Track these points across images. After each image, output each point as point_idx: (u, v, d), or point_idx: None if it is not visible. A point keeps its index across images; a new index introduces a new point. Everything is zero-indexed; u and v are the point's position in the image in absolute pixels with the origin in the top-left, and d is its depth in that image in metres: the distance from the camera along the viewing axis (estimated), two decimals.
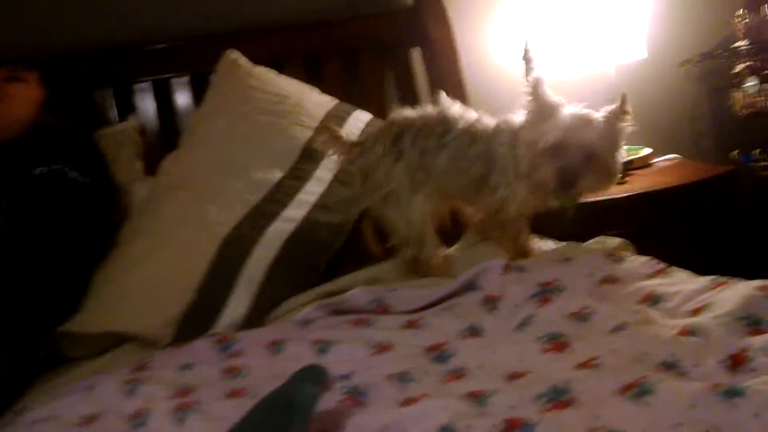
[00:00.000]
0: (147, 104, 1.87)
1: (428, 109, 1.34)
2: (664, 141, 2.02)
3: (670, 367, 0.75)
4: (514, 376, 0.82)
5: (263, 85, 1.65)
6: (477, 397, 0.76)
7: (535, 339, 0.90)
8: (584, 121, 1.18)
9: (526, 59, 1.91)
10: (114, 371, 1.00)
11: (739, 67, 2.00)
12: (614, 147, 1.20)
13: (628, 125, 1.23)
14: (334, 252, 1.40)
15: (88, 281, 1.27)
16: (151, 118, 1.86)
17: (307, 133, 1.52)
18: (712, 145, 2.14)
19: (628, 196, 1.69)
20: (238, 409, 0.78)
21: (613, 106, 1.22)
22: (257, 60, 1.74)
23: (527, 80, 1.24)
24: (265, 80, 1.66)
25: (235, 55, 1.73)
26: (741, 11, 1.99)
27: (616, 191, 1.68)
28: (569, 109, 1.21)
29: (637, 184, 1.78)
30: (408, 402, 0.78)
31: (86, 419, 0.87)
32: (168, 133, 1.83)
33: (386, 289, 1.16)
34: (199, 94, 1.80)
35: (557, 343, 0.88)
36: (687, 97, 2.15)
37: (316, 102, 1.64)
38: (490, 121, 1.30)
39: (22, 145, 1.39)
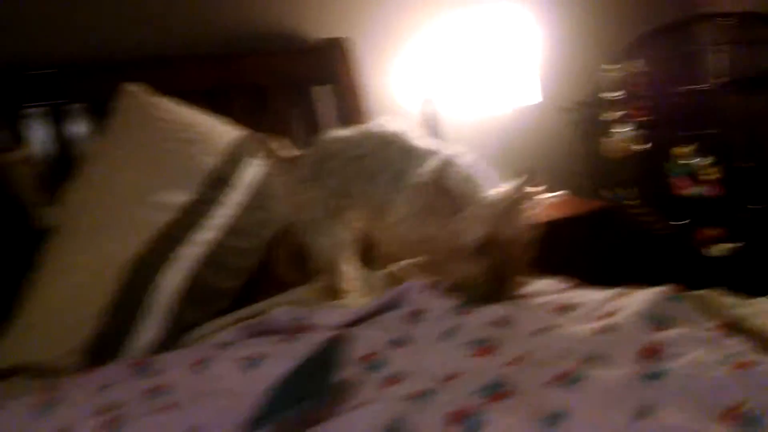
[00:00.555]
0: (37, 132, 1.76)
1: (362, 129, 1.33)
2: (554, 179, 2.19)
3: (593, 358, 0.81)
4: (449, 377, 0.85)
5: (167, 114, 1.61)
6: (418, 396, 0.78)
7: (463, 344, 0.93)
8: (505, 211, 1.08)
9: (427, 100, 2.02)
10: (18, 395, 0.92)
11: (605, 115, 2.23)
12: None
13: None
14: (247, 276, 1.37)
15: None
16: (40, 147, 1.76)
17: (213, 161, 1.50)
18: (589, 183, 2.34)
19: None
20: (170, 424, 0.75)
21: (512, 185, 1.11)
22: (161, 89, 1.71)
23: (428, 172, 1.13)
24: (169, 110, 1.63)
25: (135, 85, 1.69)
26: (607, 65, 2.22)
27: None
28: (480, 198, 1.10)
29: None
30: (351, 408, 0.78)
31: None
32: (61, 161, 1.73)
33: (307, 310, 1.15)
34: (96, 122, 1.74)
35: (484, 348, 0.92)
36: (568, 140, 2.35)
37: (222, 131, 1.63)
38: (417, 148, 1.25)
39: None
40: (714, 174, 2.10)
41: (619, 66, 2.22)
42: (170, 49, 1.92)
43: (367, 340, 0.99)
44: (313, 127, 1.98)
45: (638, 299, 0.95)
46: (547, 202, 2.06)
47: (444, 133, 2.04)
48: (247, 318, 1.20)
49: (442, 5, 2.16)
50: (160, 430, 0.76)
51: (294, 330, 1.09)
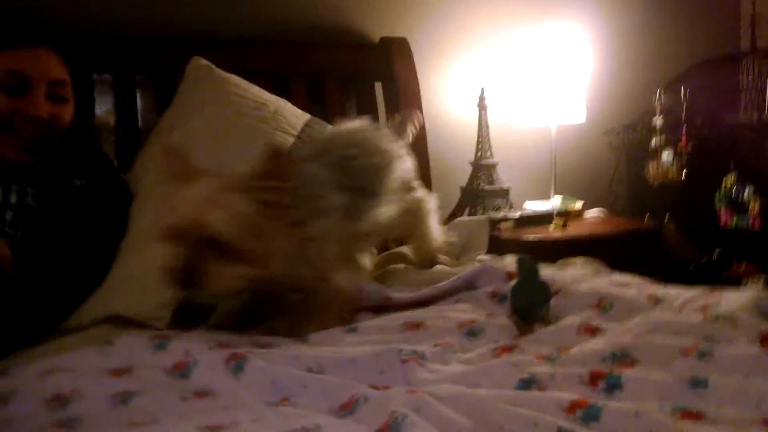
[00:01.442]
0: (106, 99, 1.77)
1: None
2: (591, 196, 2.22)
3: (713, 341, 0.82)
4: (562, 349, 0.86)
5: (241, 91, 1.64)
6: (546, 358, 0.79)
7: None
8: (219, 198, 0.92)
9: (481, 106, 2.05)
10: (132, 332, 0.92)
11: (650, 141, 2.26)
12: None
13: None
14: None
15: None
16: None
17: (290, 140, 1.52)
18: (628, 206, 2.37)
19: (566, 239, 1.86)
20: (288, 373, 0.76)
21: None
22: (227, 68, 1.72)
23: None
24: (241, 87, 1.65)
25: (205, 61, 1.71)
26: (659, 90, 2.27)
27: (558, 235, 1.84)
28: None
29: (574, 231, 1.93)
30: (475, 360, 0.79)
31: (116, 371, 0.80)
32: (126, 129, 1.74)
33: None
34: (159, 94, 1.76)
35: (588, 328, 0.93)
36: (610, 161, 2.38)
37: (293, 113, 1.65)
38: None
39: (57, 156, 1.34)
40: (756, 206, 2.14)
41: (666, 94, 2.27)
42: (239, 31, 1.94)
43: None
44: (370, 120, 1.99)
45: (737, 296, 0.97)
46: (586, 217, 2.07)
47: (490, 140, 2.07)
48: None
49: (501, 17, 2.20)
50: (283, 366, 0.77)
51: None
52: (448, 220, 1.89)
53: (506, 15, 2.21)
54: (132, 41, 1.80)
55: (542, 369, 0.76)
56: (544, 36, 2.08)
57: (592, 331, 0.92)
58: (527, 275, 1.00)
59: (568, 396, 0.69)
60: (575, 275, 1.15)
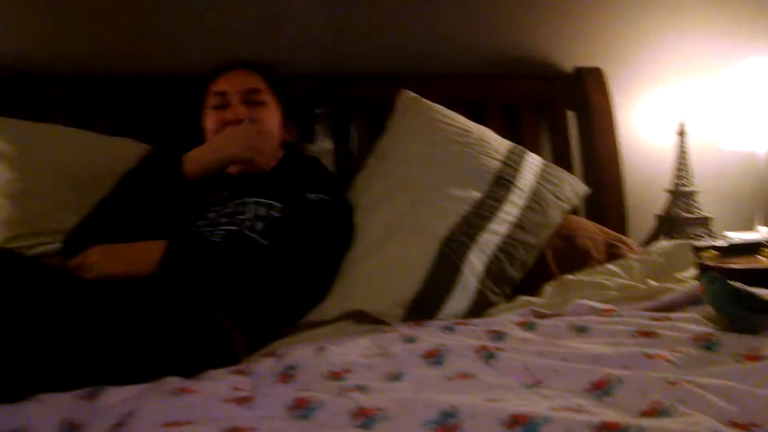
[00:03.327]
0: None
1: None
2: None
3: None
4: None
5: (446, 119, 1.76)
6: None
7: None
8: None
9: (680, 133, 2.01)
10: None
11: None
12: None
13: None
14: (527, 270, 1.44)
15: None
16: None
17: (496, 164, 1.61)
18: None
19: None
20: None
21: None
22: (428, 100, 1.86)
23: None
24: (447, 116, 1.78)
25: (413, 93, 1.86)
26: None
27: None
28: None
29: None
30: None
31: (378, 354, 0.92)
32: (343, 154, 1.94)
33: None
34: (371, 123, 1.95)
35: None
36: None
37: (496, 138, 1.74)
38: None
39: (287, 169, 1.54)
40: None
41: None
42: (436, 66, 2.09)
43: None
44: (561, 149, 2.04)
45: None
46: None
47: (689, 168, 2.02)
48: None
49: (700, 45, 2.16)
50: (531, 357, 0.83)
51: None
52: (644, 244, 1.88)
53: (705, 45, 2.16)
54: (347, 79, 2.01)
55: None
56: (747, 70, 2.01)
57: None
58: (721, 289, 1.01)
59: None
60: None
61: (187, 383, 0.88)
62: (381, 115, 1.97)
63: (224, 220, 1.38)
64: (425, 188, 1.50)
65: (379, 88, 1.99)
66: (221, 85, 1.54)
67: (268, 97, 1.56)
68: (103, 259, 1.23)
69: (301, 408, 0.75)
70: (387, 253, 1.35)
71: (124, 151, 1.70)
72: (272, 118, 1.56)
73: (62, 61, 1.91)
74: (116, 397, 0.85)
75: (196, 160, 1.41)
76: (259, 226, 1.39)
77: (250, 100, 1.53)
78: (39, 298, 0.94)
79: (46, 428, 0.76)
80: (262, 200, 1.43)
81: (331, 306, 1.29)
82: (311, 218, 1.42)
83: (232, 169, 1.47)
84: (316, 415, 0.74)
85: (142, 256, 1.25)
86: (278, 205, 1.43)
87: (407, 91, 1.87)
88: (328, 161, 1.84)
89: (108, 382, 0.89)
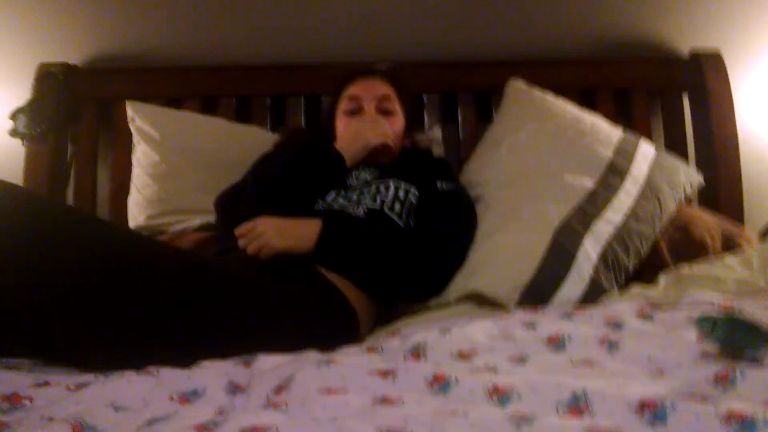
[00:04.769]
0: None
1: None
2: None
3: None
4: None
5: (557, 108, 1.78)
6: None
7: None
8: None
9: None
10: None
11: None
12: None
13: None
14: (641, 260, 1.46)
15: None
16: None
17: (609, 152, 1.62)
18: None
19: None
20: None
21: None
22: (536, 86, 1.88)
23: None
24: (558, 104, 1.80)
25: (523, 82, 1.88)
26: None
27: None
28: None
29: None
30: None
31: (500, 336, 0.99)
32: (450, 141, 2.00)
33: None
34: (478, 110, 1.99)
35: None
36: None
37: (608, 126, 1.74)
38: None
39: (412, 160, 1.62)
40: None
41: None
42: (543, 52, 2.10)
43: None
44: (676, 135, 2.00)
45: None
46: None
47: None
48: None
49: None
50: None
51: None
52: (762, 236, 1.83)
53: None
54: (455, 66, 2.06)
55: None
56: None
57: None
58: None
59: None
60: None
61: (330, 356, 0.97)
62: (488, 102, 2.02)
63: (366, 198, 1.46)
64: (539, 177, 1.54)
65: (486, 76, 2.03)
66: (356, 89, 1.60)
67: (397, 106, 1.63)
68: (271, 231, 1.30)
69: (439, 383, 0.83)
70: (502, 239, 1.41)
71: (250, 137, 1.85)
72: (399, 125, 1.63)
73: (191, 54, 2.07)
74: (267, 364, 0.96)
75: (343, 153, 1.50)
76: (397, 206, 1.46)
77: (382, 107, 1.60)
78: (210, 280, 1.07)
79: (216, 389, 0.87)
80: (401, 182, 1.51)
81: (455, 287, 1.36)
82: (444, 206, 1.49)
83: (373, 157, 1.55)
84: (453, 391, 0.81)
85: (304, 233, 1.33)
86: (414, 190, 1.51)
87: (517, 79, 1.90)
88: (436, 149, 1.90)
89: (257, 350, 1.00)
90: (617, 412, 0.73)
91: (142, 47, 2.05)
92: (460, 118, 2.03)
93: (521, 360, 0.94)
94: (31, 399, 0.78)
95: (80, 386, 0.83)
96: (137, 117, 1.86)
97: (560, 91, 1.93)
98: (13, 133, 1.84)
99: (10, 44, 2.01)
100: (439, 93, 2.04)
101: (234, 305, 1.07)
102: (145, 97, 1.96)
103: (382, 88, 1.62)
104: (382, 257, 1.35)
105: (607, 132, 1.70)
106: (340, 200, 1.47)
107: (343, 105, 1.61)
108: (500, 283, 1.31)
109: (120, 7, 2.05)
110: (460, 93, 2.04)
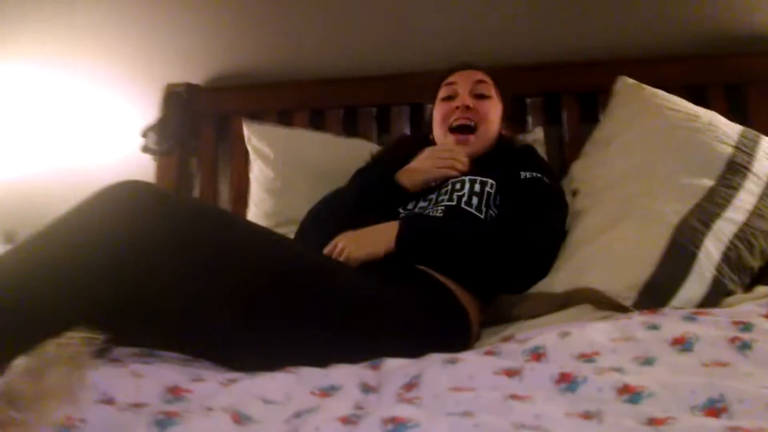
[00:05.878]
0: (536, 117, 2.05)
1: None
2: None
3: None
4: None
5: (671, 104, 1.73)
6: None
7: None
8: None
9: None
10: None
11: None
12: None
13: None
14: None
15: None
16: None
17: (728, 150, 1.56)
18: None
19: None
20: None
21: None
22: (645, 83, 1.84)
23: None
24: (671, 100, 1.75)
25: (632, 80, 1.85)
26: None
27: None
28: None
29: None
30: None
31: (621, 338, 0.99)
32: (554, 141, 1.99)
33: None
34: (583, 111, 1.97)
35: None
36: None
37: (725, 122, 1.68)
38: None
39: (501, 153, 1.67)
40: None
41: None
42: (648, 49, 2.05)
43: None
44: None
45: None
46: None
47: None
48: None
49: None
50: None
51: None
52: None
53: None
54: (557, 67, 2.05)
55: None
56: None
57: None
58: None
59: None
60: None
61: (454, 356, 1.00)
62: (592, 103, 2.00)
63: (444, 198, 1.52)
64: (652, 176, 1.51)
65: (589, 76, 2.02)
66: (452, 78, 1.71)
67: (493, 91, 1.70)
68: (350, 244, 1.38)
69: (567, 382, 0.84)
70: (616, 237, 1.39)
71: (356, 150, 1.92)
72: (494, 111, 1.69)
73: (301, 68, 2.17)
74: (394, 366, 1.01)
75: (403, 181, 1.57)
76: (475, 200, 1.50)
77: (477, 92, 1.67)
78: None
79: (351, 386, 0.93)
80: (476, 177, 1.55)
81: (563, 279, 1.36)
82: (526, 192, 1.52)
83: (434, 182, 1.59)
84: (581, 390, 0.82)
85: (382, 236, 1.39)
86: (491, 181, 1.54)
87: (626, 77, 1.87)
88: (540, 150, 1.90)
89: (379, 355, 1.05)
90: (758, 413, 0.72)
91: (254, 65, 2.19)
92: (564, 119, 2.02)
93: (647, 361, 0.94)
94: (190, 391, 0.86)
95: (231, 381, 0.90)
96: (253, 137, 2.01)
97: (667, 88, 1.88)
98: (145, 149, 2.01)
99: (141, 67, 2.20)
100: (541, 95, 2.04)
101: (367, 315, 1.13)
102: (258, 111, 2.09)
103: (478, 74, 1.70)
104: (465, 244, 1.38)
105: (725, 128, 1.64)
106: (421, 203, 1.55)
107: (441, 93, 1.71)
108: (615, 280, 1.28)
109: (233, 29, 2.20)
110: (564, 94, 2.03)
